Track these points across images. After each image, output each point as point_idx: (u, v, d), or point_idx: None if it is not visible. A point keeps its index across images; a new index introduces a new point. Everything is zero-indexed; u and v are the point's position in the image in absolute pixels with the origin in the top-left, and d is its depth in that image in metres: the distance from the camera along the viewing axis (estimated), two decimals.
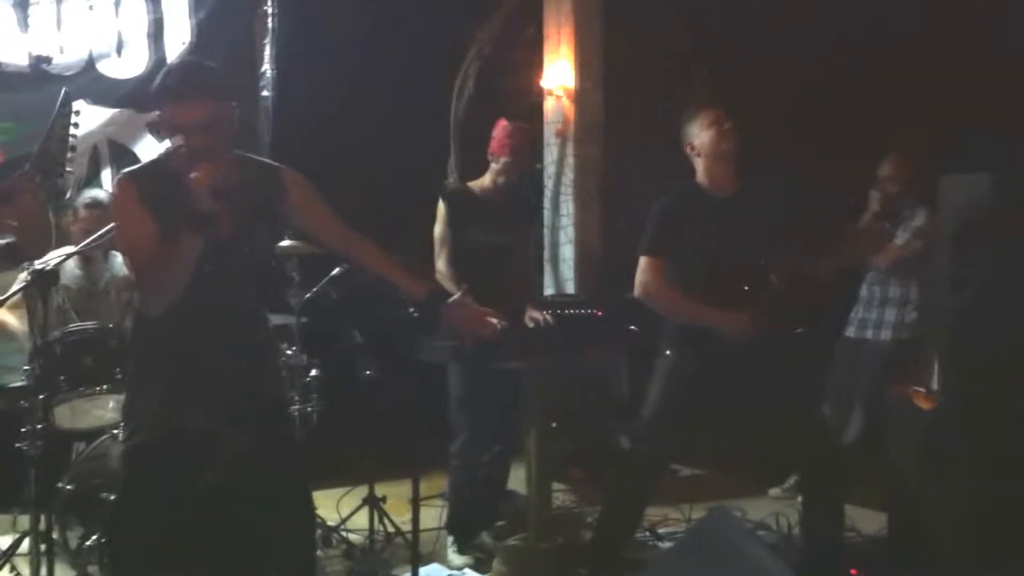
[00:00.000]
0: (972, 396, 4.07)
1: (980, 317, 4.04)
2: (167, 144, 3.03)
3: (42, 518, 3.69)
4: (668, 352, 4.13)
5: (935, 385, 4.19)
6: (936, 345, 4.37)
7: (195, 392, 3.06)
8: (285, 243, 4.26)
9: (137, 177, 3.10)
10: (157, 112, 3.09)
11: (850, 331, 5.38)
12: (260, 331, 3.31)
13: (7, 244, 3.62)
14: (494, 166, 4.69)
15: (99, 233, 4.05)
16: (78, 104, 3.52)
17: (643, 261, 4.06)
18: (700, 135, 4.08)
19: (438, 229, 4.65)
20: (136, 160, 5.54)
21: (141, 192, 3.02)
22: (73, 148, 3.33)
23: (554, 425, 4.46)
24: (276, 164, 3.27)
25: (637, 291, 4.07)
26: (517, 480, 4.92)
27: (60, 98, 3.32)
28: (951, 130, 5.50)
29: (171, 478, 3.03)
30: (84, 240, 4.15)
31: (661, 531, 4.93)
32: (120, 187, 3.11)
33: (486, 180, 4.74)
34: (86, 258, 4.78)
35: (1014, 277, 3.99)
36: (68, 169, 3.36)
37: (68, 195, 5.14)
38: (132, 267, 3.19)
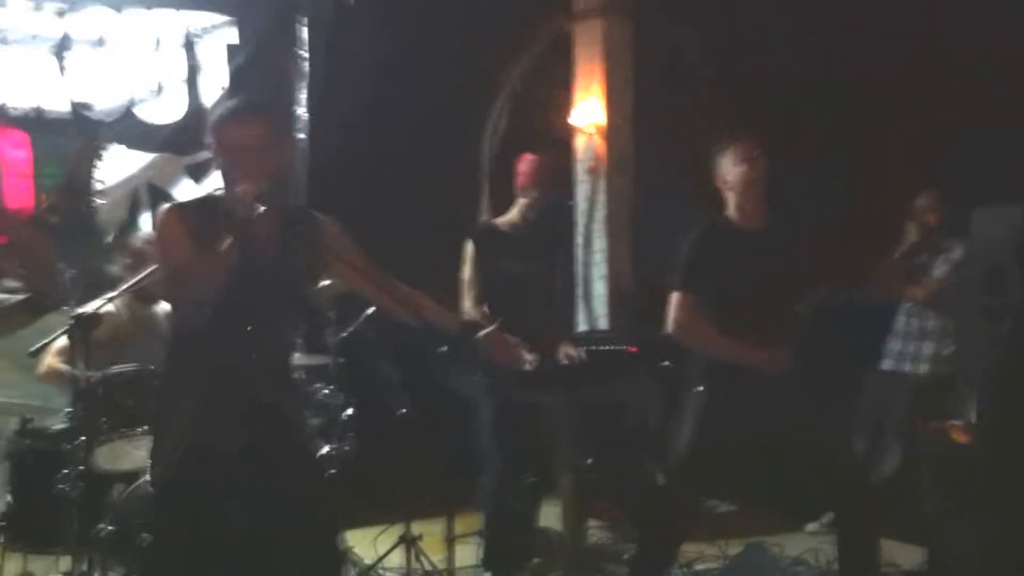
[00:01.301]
0: (1010, 430, 4.04)
1: (1017, 350, 4.02)
2: (204, 187, 3.13)
3: (83, 559, 3.73)
4: (701, 387, 4.12)
5: (972, 419, 4.17)
6: (973, 379, 4.34)
7: (221, 431, 3.09)
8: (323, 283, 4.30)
9: (182, 208, 3.21)
10: (209, 145, 3.18)
11: (887, 364, 5.35)
12: (289, 368, 3.37)
13: (26, 299, 3.69)
14: (522, 200, 4.70)
15: (145, 272, 4.13)
16: (118, 148, 3.62)
17: (675, 297, 4.06)
18: (732, 169, 4.07)
19: (466, 270, 4.64)
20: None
21: (185, 220, 3.12)
22: (101, 182, 3.42)
23: (588, 461, 4.46)
24: (314, 211, 3.34)
25: (670, 327, 4.06)
26: (552, 517, 4.92)
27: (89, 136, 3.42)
28: (988, 163, 5.47)
29: (199, 517, 3.07)
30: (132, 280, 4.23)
31: (698, 568, 4.90)
32: (165, 216, 3.19)
33: (514, 215, 4.73)
34: (134, 299, 4.82)
35: None
36: (98, 201, 3.45)
37: (109, 239, 5.24)
38: (171, 291, 3.24)
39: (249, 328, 3.10)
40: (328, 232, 3.27)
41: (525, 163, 4.70)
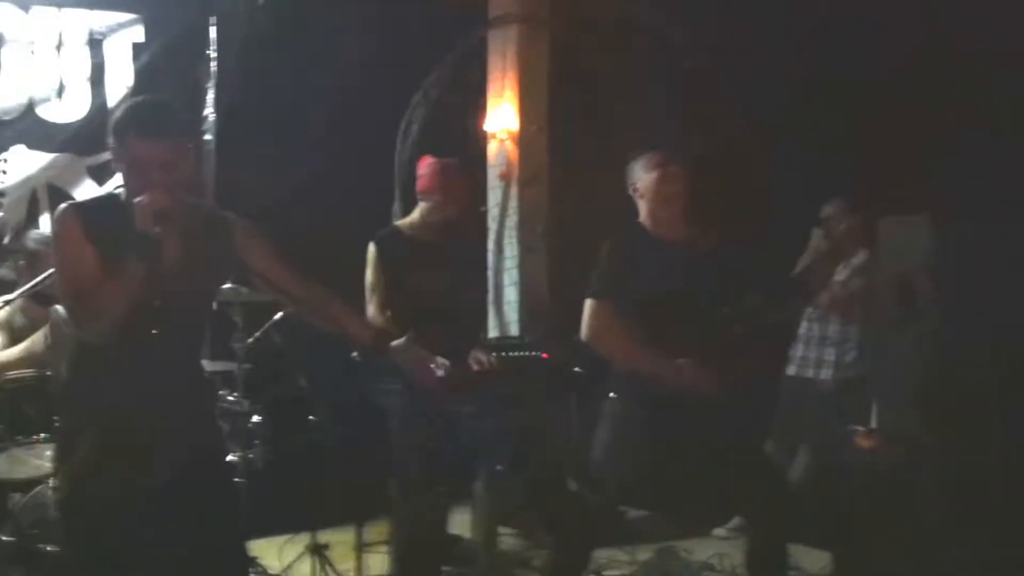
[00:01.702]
0: (916, 435, 4.13)
1: (923, 358, 4.12)
2: (107, 187, 3.03)
3: None
4: (613, 394, 4.13)
5: (874, 424, 4.26)
6: (877, 385, 4.44)
7: (129, 437, 2.99)
8: (227, 286, 4.21)
9: (80, 208, 3.08)
10: (111, 149, 3.07)
11: (791, 369, 5.45)
12: (198, 375, 3.30)
13: None
14: (423, 205, 4.62)
15: (43, 276, 4.00)
16: (17, 148, 3.50)
17: (590, 304, 4.06)
18: (643, 177, 4.09)
19: (369, 275, 4.51)
20: None
21: (83, 222, 2.99)
22: (2, 193, 3.29)
23: (499, 468, 4.44)
24: (222, 210, 3.26)
25: (584, 334, 4.06)
26: (464, 525, 4.89)
27: None
28: (896, 173, 5.60)
29: (106, 525, 2.97)
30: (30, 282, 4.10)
31: (608, 573, 4.92)
32: (62, 217, 3.07)
33: (415, 218, 4.64)
34: (31, 301, 4.67)
35: (954, 317, 4.07)
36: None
37: (5, 240, 5.08)
38: (69, 298, 3.12)
39: (154, 332, 3.01)
40: (240, 231, 3.20)
41: (425, 167, 4.64)
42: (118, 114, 3.08)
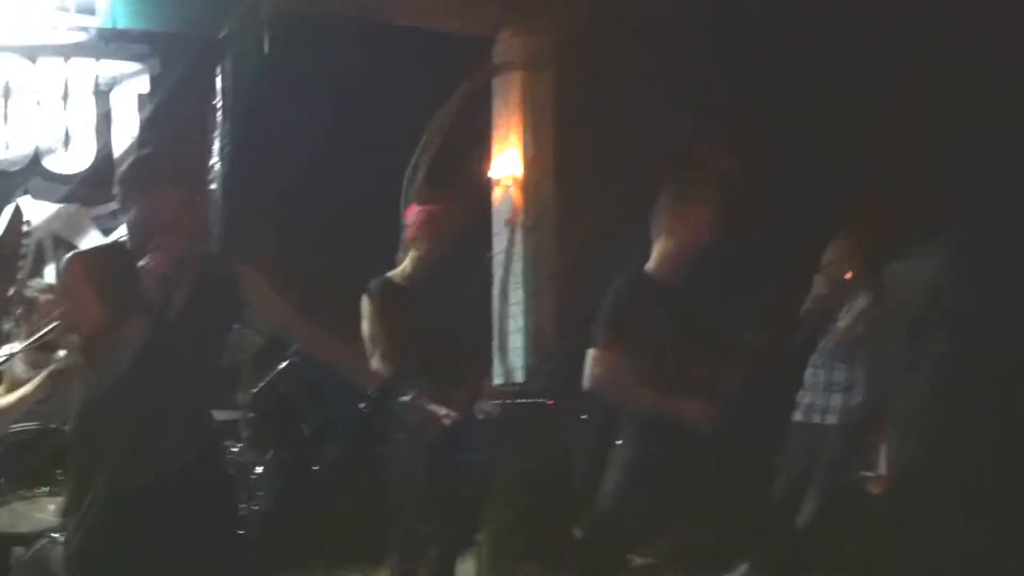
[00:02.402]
0: (926, 476, 4.10)
1: (934, 399, 4.09)
2: (112, 238, 3.04)
3: None
4: (620, 442, 4.11)
5: (883, 469, 4.22)
6: (886, 429, 4.41)
7: (139, 491, 2.99)
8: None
9: (86, 256, 3.10)
10: (116, 203, 3.09)
11: (798, 415, 5.40)
12: (205, 426, 3.27)
13: None
14: (412, 253, 4.62)
15: (49, 327, 4.00)
16: (23, 199, 3.51)
17: (593, 352, 4.04)
18: (669, 219, 4.01)
19: (367, 327, 4.48)
20: None
21: (90, 270, 3.00)
22: (24, 256, 3.31)
23: (505, 516, 4.42)
24: (232, 259, 3.26)
25: (588, 381, 4.03)
26: (469, 573, 4.85)
27: (12, 209, 3.31)
28: (901, 215, 5.59)
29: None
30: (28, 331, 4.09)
31: None
32: (69, 265, 3.08)
33: (407, 268, 4.65)
34: (34, 351, 4.66)
35: (962, 360, 4.05)
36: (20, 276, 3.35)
37: (10, 292, 5.08)
38: (77, 346, 3.12)
39: (162, 395, 3.01)
40: (245, 280, 3.19)
41: (412, 215, 4.66)
42: (122, 168, 3.10)
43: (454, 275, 4.75)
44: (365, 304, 4.53)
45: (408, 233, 4.61)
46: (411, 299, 4.53)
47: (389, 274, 4.72)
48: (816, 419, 5.30)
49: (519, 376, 6.21)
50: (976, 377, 4.00)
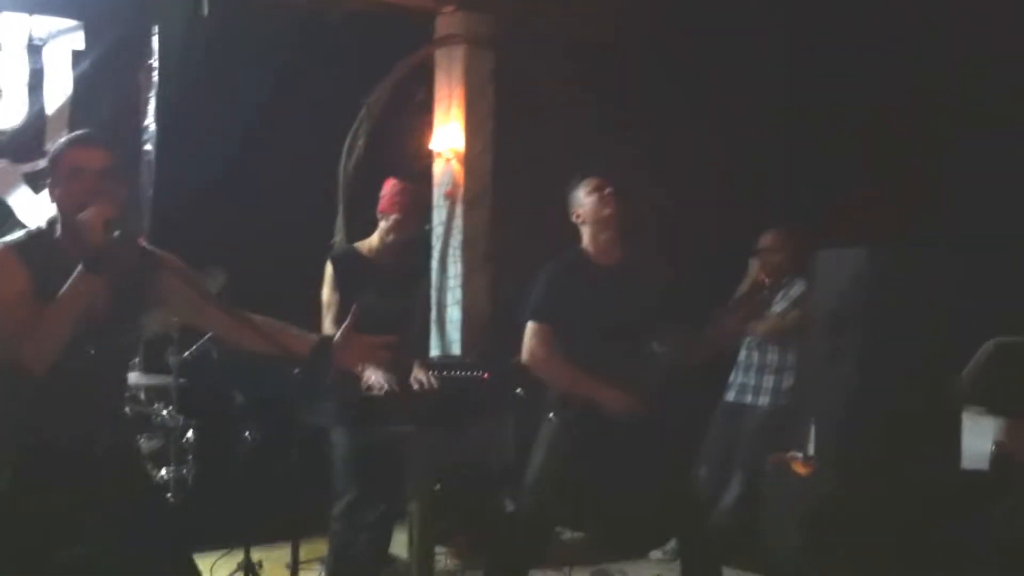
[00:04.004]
0: (848, 462, 4.18)
1: (854, 387, 4.17)
2: (43, 195, 2.99)
3: None
4: (551, 416, 4.14)
5: (811, 451, 4.30)
6: (812, 413, 4.49)
7: (55, 462, 2.93)
8: None
9: (13, 248, 3.00)
10: (48, 182, 3.04)
11: (730, 395, 5.49)
12: (120, 406, 3.28)
13: None
14: (383, 224, 4.68)
15: None
16: None
17: (529, 327, 4.09)
18: (584, 202, 4.16)
19: (325, 292, 4.59)
20: (9, 211, 5.39)
21: (20, 263, 2.93)
22: None
23: (437, 488, 4.43)
24: (153, 248, 3.16)
25: (524, 357, 4.09)
26: (399, 544, 4.86)
27: None
28: (835, 204, 5.69)
29: (37, 548, 2.91)
30: None
31: None
32: None
33: (374, 240, 4.72)
34: None
35: (885, 348, 4.13)
36: None
37: None
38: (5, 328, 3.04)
39: (89, 354, 2.97)
40: (166, 269, 3.11)
41: (390, 187, 4.69)
42: (55, 147, 3.06)
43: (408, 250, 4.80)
44: (327, 270, 4.57)
45: (381, 204, 4.65)
46: (371, 270, 4.57)
47: (356, 244, 4.77)
48: (747, 400, 5.39)
49: (455, 349, 6.22)
50: (887, 372, 4.10)
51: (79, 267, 2.83)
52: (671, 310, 4.19)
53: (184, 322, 3.31)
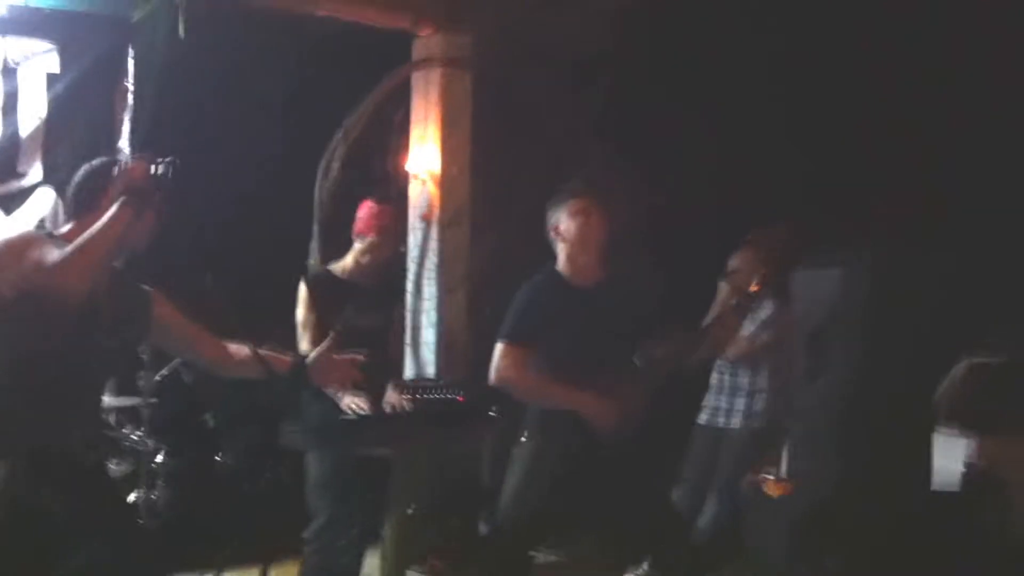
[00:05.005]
0: (825, 483, 4.18)
1: (831, 408, 4.17)
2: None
3: None
4: (524, 439, 4.13)
5: (783, 473, 4.30)
6: (785, 434, 4.49)
7: (35, 475, 2.94)
8: None
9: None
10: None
11: (702, 418, 5.48)
12: (97, 420, 3.33)
13: None
14: (358, 246, 4.67)
15: None
16: None
17: (500, 347, 4.07)
18: (566, 221, 4.11)
19: (300, 313, 4.56)
20: None
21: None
22: None
23: (411, 511, 4.40)
24: (143, 285, 3.26)
25: (492, 376, 4.07)
26: (372, 567, 4.82)
27: None
28: (806, 224, 5.69)
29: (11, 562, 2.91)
30: None
31: None
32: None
33: (348, 262, 4.70)
34: None
35: (863, 368, 4.14)
36: None
37: None
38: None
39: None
40: (156, 302, 3.22)
41: (367, 209, 4.69)
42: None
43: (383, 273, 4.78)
44: (301, 291, 4.55)
45: (357, 226, 4.64)
46: (346, 292, 4.56)
47: (330, 266, 4.76)
48: (720, 422, 5.39)
49: (430, 370, 6.20)
50: (869, 391, 4.10)
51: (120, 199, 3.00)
52: (659, 318, 4.17)
53: (172, 352, 3.35)
